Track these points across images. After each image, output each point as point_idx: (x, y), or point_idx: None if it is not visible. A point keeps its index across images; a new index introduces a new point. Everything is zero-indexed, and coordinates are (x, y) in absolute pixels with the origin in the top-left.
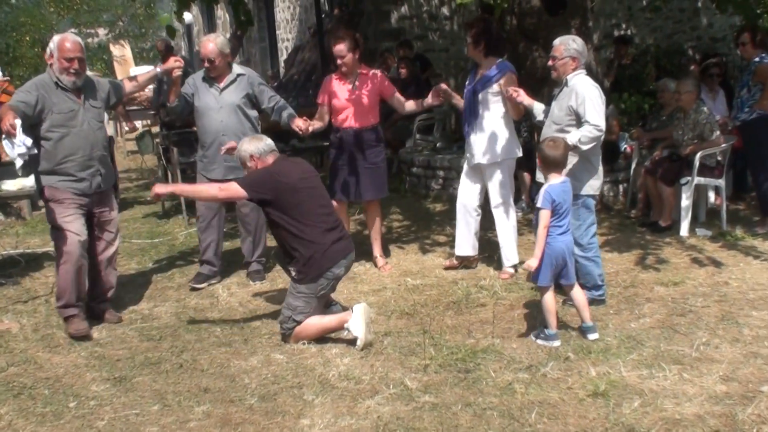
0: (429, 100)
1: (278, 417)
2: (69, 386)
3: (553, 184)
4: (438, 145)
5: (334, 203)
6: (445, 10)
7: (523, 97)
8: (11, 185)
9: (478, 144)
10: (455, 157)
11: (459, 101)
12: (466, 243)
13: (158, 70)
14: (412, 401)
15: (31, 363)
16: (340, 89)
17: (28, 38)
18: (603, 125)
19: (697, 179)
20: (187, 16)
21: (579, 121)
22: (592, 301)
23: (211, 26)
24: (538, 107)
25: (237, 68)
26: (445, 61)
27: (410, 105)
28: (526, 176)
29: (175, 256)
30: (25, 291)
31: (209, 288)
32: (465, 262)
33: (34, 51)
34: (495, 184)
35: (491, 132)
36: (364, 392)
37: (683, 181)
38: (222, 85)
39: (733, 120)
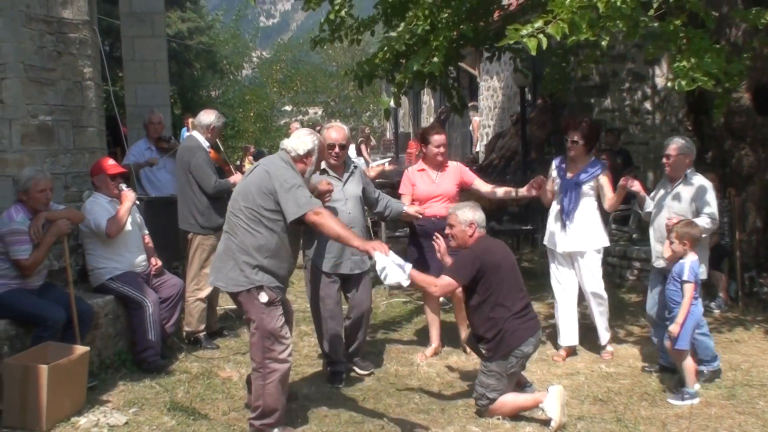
0: (523, 191)
1: None
2: None
3: (694, 260)
4: (634, 236)
5: None
6: (647, 105)
7: (638, 187)
8: None
9: (575, 232)
10: None
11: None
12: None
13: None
14: None
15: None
16: (422, 180)
17: (252, 114)
18: (718, 218)
19: None
20: None
21: (697, 212)
22: (712, 374)
23: (416, 110)
24: (648, 199)
25: (351, 159)
26: (645, 154)
27: (498, 192)
28: (722, 276)
29: (377, 325)
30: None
31: (408, 356)
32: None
33: (257, 126)
34: (593, 270)
35: (588, 222)
36: None
37: None
38: (344, 177)
39: None
